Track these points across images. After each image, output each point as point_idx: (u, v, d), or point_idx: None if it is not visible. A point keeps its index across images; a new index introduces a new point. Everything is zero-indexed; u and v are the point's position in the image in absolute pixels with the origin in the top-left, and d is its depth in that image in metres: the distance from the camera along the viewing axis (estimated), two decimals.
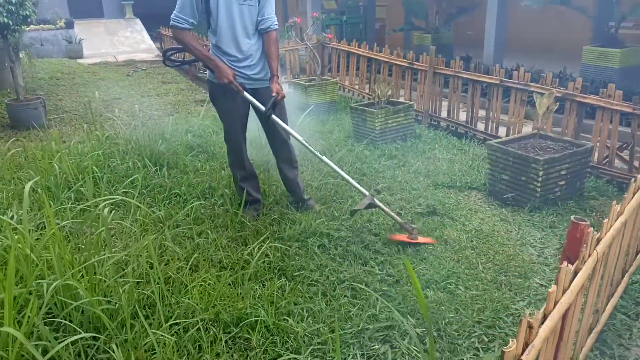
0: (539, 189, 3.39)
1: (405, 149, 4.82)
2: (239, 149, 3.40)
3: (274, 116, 3.19)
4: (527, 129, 4.72)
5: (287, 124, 3.37)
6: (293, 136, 3.30)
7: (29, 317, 1.75)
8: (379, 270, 2.78)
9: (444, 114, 5.47)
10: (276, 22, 3.22)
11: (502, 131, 4.82)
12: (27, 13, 5.85)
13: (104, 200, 2.47)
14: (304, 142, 3.25)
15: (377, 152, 4.75)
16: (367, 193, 3.23)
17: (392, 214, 3.20)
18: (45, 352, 1.78)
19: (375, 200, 3.19)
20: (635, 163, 3.72)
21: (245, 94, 3.15)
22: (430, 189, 3.91)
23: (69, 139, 5.49)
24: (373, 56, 6.39)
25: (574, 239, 1.59)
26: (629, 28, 6.72)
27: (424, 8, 8.43)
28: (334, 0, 10.18)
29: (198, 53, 3.10)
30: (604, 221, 1.72)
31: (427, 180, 4.07)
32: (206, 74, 3.34)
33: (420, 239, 3.09)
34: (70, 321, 1.88)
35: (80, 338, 1.77)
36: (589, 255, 1.60)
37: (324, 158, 3.29)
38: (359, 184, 4.06)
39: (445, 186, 3.98)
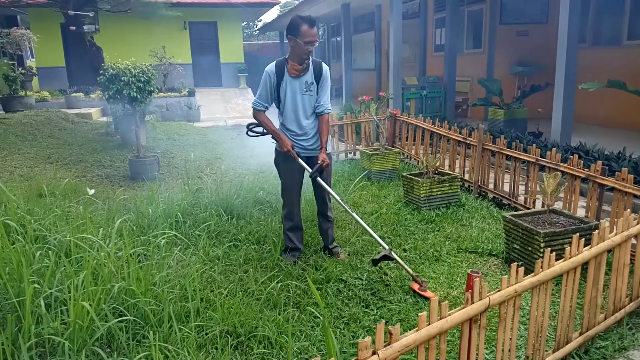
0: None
1: (445, 215, 5.32)
2: (292, 205, 4.23)
3: (319, 179, 4.01)
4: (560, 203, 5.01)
5: (330, 186, 4.17)
6: (331, 194, 4.08)
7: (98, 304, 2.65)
8: (376, 312, 3.35)
9: (491, 186, 5.88)
10: (329, 107, 4.10)
11: (538, 204, 5.13)
12: (152, 89, 7.42)
13: (164, 235, 3.38)
14: (339, 199, 4.04)
15: (418, 217, 5.30)
16: (386, 246, 3.85)
17: (406, 267, 3.77)
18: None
19: (392, 253, 3.79)
20: None
21: (299, 160, 4.02)
22: (453, 252, 4.38)
23: (170, 190, 6.75)
24: (434, 130, 7.02)
25: (468, 287, 2.12)
26: None
27: (499, 85, 8.92)
28: (415, 77, 11.04)
29: (268, 128, 4.08)
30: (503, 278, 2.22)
31: (453, 245, 4.54)
32: (275, 144, 4.28)
33: (428, 293, 3.61)
34: (128, 312, 2.76)
35: (129, 321, 2.61)
36: (480, 299, 2.12)
37: (354, 215, 4.01)
38: (392, 242, 4.67)
39: (468, 251, 4.42)
